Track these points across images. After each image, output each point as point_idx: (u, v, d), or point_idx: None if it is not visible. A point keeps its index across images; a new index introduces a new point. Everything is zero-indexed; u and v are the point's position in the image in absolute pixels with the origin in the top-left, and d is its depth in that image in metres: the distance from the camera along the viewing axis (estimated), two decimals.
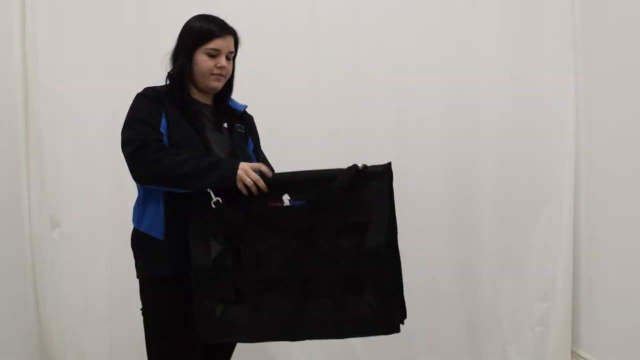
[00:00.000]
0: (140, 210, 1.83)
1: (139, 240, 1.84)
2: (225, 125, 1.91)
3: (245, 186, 1.70)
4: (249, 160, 1.89)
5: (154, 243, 1.79)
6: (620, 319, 2.55)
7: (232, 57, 1.90)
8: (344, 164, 2.71)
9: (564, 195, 2.76)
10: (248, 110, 2.05)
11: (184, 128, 1.80)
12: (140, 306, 1.86)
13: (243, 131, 1.97)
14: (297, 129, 2.72)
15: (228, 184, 1.70)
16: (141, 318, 1.86)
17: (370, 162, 2.64)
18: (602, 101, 2.65)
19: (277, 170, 1.97)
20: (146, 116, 1.76)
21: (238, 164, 1.72)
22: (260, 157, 2.03)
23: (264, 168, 1.74)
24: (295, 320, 1.73)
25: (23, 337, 2.64)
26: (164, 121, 1.78)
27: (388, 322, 1.73)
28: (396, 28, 2.74)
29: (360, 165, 1.77)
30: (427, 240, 2.76)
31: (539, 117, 2.78)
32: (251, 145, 2.02)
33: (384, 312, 1.71)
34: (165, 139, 1.77)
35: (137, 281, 1.87)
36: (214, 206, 1.70)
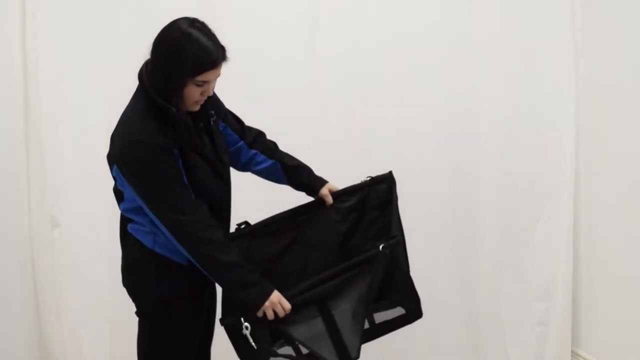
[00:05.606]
0: (152, 232, 1.76)
1: (154, 262, 1.77)
2: (202, 124, 1.82)
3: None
4: (229, 155, 1.91)
5: (176, 266, 1.75)
6: (620, 319, 2.55)
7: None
8: (342, 164, 2.71)
9: (564, 195, 2.76)
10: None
11: (200, 167, 1.74)
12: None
13: (215, 118, 1.87)
14: (296, 128, 2.71)
15: (250, 308, 1.71)
16: None
17: (370, 161, 2.67)
18: (602, 101, 2.65)
19: None
20: (175, 175, 1.67)
21: (267, 298, 1.70)
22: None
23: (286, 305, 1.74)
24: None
25: (23, 337, 2.64)
26: (182, 168, 1.70)
27: (416, 310, 1.99)
28: (395, 27, 2.73)
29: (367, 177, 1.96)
30: (427, 240, 2.75)
31: (538, 116, 2.78)
32: (229, 132, 1.96)
33: (412, 303, 1.97)
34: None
35: None
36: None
